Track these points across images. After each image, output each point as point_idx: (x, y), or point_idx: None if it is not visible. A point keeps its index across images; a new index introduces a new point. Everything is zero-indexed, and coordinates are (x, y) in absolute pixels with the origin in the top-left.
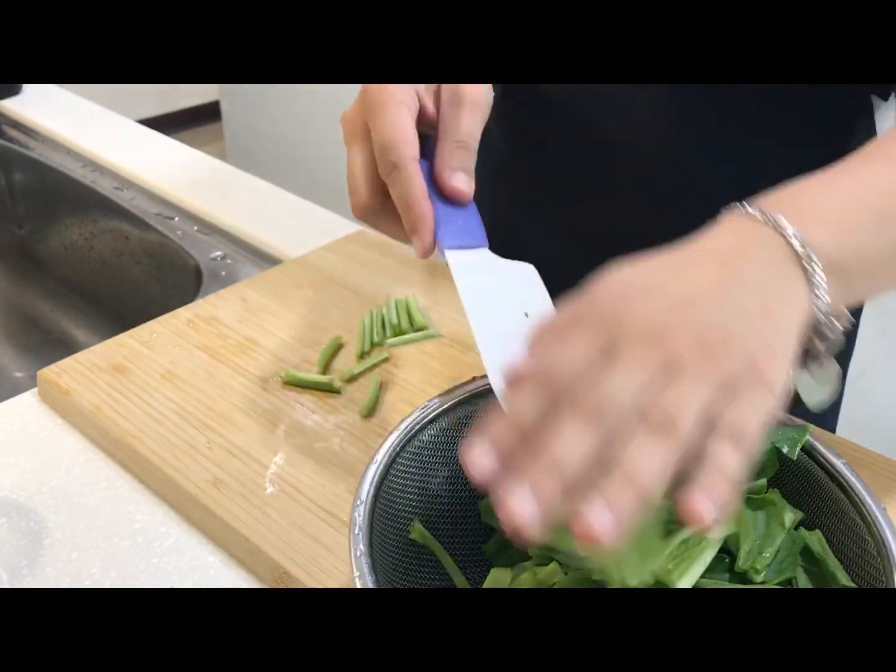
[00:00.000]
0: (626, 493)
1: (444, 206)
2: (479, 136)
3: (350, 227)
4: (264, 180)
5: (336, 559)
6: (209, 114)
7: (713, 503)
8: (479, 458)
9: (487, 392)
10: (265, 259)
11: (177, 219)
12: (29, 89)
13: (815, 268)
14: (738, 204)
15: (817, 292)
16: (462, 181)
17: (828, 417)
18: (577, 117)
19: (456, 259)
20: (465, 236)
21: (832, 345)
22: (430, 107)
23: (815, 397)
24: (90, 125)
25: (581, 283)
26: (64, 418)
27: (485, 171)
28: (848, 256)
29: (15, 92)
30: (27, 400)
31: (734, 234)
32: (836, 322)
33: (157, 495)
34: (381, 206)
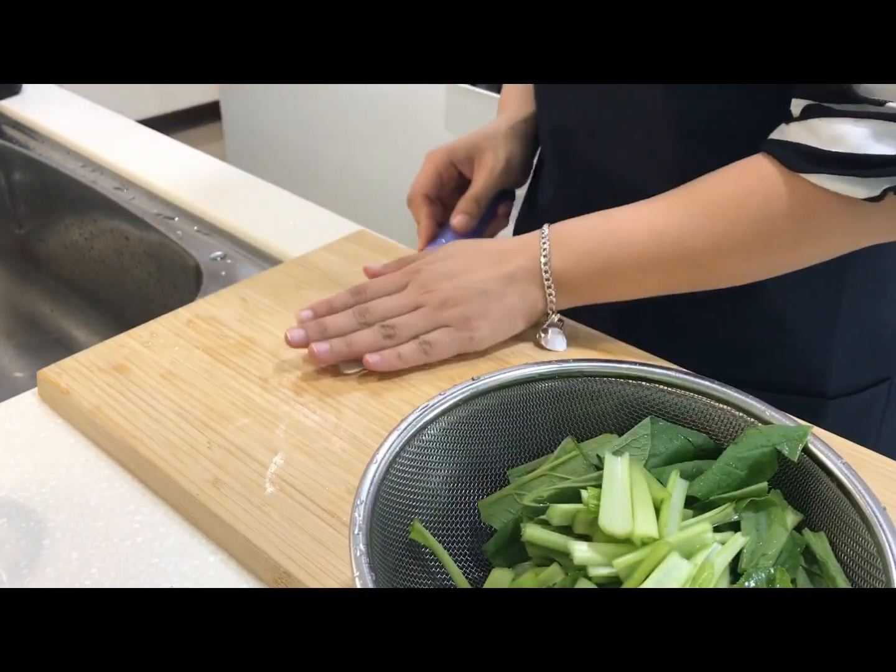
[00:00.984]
0: (345, 347)
1: (450, 233)
2: (489, 194)
3: (350, 227)
4: (264, 180)
5: (336, 559)
6: (209, 114)
7: (382, 362)
8: (295, 333)
9: (488, 391)
10: (265, 259)
11: (177, 219)
12: (29, 89)
13: (550, 285)
14: (541, 230)
15: (549, 299)
16: (459, 220)
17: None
18: (585, 123)
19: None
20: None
21: (553, 324)
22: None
23: (555, 348)
24: (90, 125)
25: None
26: (64, 418)
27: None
28: (574, 279)
29: (15, 92)
30: (27, 400)
31: (522, 243)
32: (554, 316)
33: (157, 495)
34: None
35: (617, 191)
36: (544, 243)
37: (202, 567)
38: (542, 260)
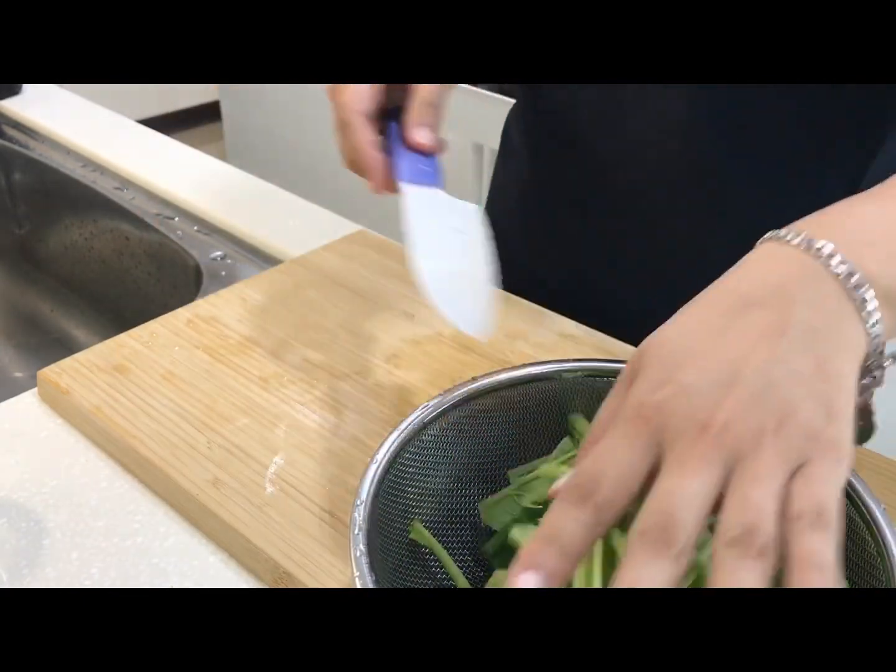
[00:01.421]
0: None
1: (409, 155)
2: (445, 100)
3: (350, 227)
4: (264, 180)
5: (336, 559)
6: (209, 114)
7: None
8: (523, 577)
9: (488, 391)
10: (265, 259)
11: (177, 219)
12: (29, 89)
13: (868, 299)
14: (775, 232)
15: (872, 328)
16: (424, 135)
17: None
18: (594, 121)
19: (408, 188)
20: (421, 176)
21: (878, 380)
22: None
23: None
24: (90, 125)
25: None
26: (64, 418)
27: (514, 186)
28: None
29: (15, 92)
30: (27, 400)
31: (774, 270)
32: (883, 357)
33: (157, 495)
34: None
35: (617, 184)
36: (821, 249)
37: (202, 567)
38: (844, 271)
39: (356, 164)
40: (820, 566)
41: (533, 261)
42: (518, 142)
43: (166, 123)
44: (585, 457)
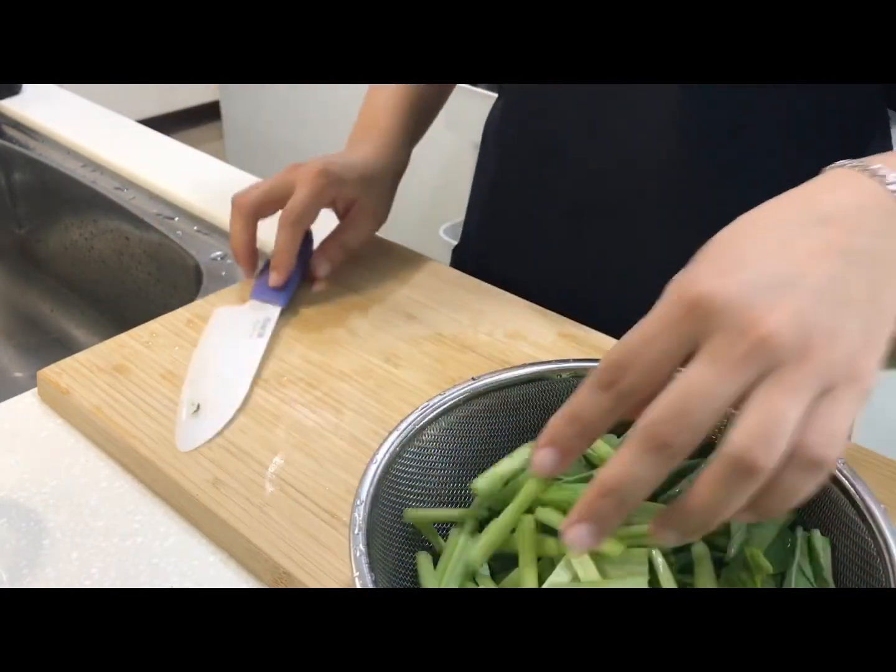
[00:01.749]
0: (671, 532)
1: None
2: (354, 249)
3: None
4: (264, 180)
5: (336, 559)
6: (209, 114)
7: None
8: (541, 456)
9: (487, 392)
10: (266, 259)
11: (177, 219)
12: (29, 89)
13: None
14: (846, 161)
15: None
16: (323, 269)
17: None
18: (584, 125)
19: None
20: (267, 296)
21: None
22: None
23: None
24: (90, 125)
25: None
26: (64, 418)
27: (484, 185)
28: None
29: (15, 92)
30: (27, 400)
31: (847, 194)
32: None
33: (157, 495)
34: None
35: (609, 194)
36: (894, 184)
37: (202, 567)
38: None
39: (234, 248)
40: (789, 502)
41: (519, 263)
42: (494, 146)
43: (166, 123)
44: (622, 339)
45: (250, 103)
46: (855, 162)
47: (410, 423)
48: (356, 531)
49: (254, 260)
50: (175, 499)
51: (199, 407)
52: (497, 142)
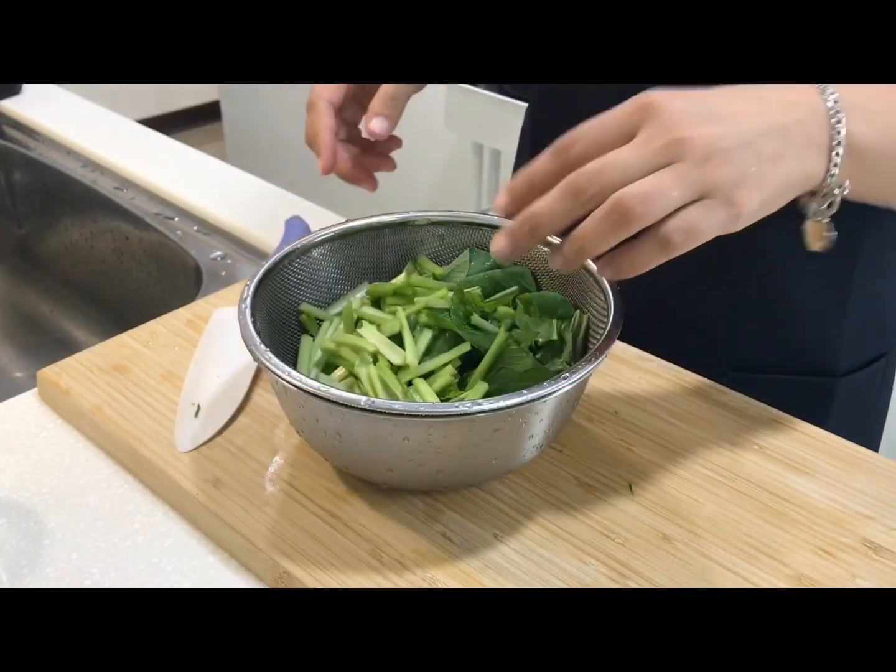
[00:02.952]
0: (559, 256)
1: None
2: (406, 95)
3: None
4: (264, 180)
5: (336, 559)
6: (209, 114)
7: (615, 271)
8: (499, 201)
9: (358, 231)
10: (265, 258)
11: (177, 219)
12: (29, 89)
13: (839, 149)
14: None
15: (831, 171)
16: (377, 124)
17: (873, 434)
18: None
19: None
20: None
21: (828, 209)
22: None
23: (813, 245)
24: (90, 125)
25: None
26: (64, 418)
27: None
28: (874, 153)
29: (15, 92)
30: (27, 400)
31: (792, 91)
32: (837, 192)
33: (157, 495)
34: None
35: None
36: (832, 100)
37: (202, 567)
38: (833, 118)
39: (312, 143)
40: (628, 270)
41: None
42: (527, 154)
43: (166, 123)
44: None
45: (250, 103)
46: (826, 87)
47: (298, 245)
48: (244, 307)
49: (334, 149)
50: (175, 499)
51: (199, 407)
52: (530, 149)
